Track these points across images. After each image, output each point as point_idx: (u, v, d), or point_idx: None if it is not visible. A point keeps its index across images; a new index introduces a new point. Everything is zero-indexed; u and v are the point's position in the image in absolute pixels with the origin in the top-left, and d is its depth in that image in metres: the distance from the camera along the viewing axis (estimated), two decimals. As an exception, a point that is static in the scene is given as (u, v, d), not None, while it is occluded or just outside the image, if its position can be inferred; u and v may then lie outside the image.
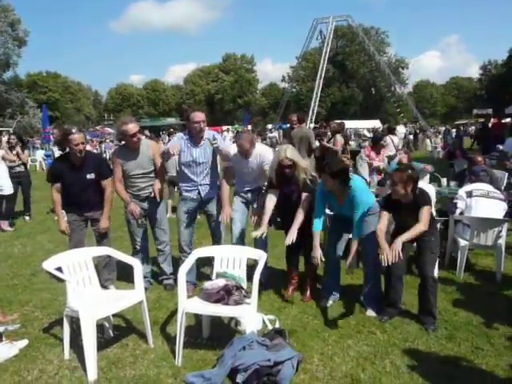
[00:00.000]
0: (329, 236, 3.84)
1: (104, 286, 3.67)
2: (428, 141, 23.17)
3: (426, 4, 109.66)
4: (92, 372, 2.74)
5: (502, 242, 4.27)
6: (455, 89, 65.33)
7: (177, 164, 4.60)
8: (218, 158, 4.07)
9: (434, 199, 4.79)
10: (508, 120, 7.19)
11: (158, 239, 4.22)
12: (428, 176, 6.51)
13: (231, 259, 3.37)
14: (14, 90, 35.33)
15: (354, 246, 3.49)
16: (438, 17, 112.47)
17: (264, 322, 3.24)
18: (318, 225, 3.64)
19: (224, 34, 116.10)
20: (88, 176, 3.87)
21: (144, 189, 4.04)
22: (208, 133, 3.98)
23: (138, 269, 3.16)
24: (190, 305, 3.00)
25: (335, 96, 52.61)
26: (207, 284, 3.15)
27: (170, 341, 3.18)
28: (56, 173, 3.92)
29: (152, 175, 4.05)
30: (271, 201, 3.80)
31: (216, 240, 4.18)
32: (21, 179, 7.65)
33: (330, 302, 3.79)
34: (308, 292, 3.93)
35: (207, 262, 4.18)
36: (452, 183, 6.22)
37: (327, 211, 4.04)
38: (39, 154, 17.54)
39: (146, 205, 4.07)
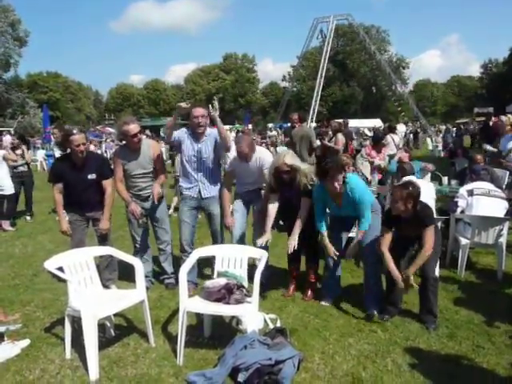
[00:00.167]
0: (328, 234, 3.83)
1: (105, 286, 3.67)
2: (429, 139, 23.16)
3: (426, 3, 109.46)
4: (93, 371, 2.74)
5: (502, 240, 4.28)
6: (456, 87, 65.25)
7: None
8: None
9: (434, 196, 4.80)
10: (503, 118, 7.17)
11: (159, 239, 4.22)
12: (429, 175, 6.52)
13: (232, 258, 3.38)
14: (15, 89, 35.35)
15: (360, 234, 3.53)
16: (439, 16, 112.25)
17: (265, 321, 3.25)
18: (322, 226, 3.69)
19: (224, 33, 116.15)
20: (89, 176, 3.87)
21: (145, 189, 4.04)
22: (211, 130, 4.00)
23: (140, 268, 3.17)
24: (191, 304, 3.00)
25: (336, 95, 52.56)
26: (208, 283, 3.16)
27: (171, 340, 3.19)
28: (57, 173, 3.92)
29: (153, 175, 4.05)
30: (273, 207, 3.82)
31: (216, 240, 4.18)
32: (24, 179, 7.69)
33: (331, 300, 3.79)
34: (309, 291, 3.94)
35: (208, 261, 4.19)
36: (453, 182, 6.22)
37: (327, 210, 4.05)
38: (40, 154, 17.53)
39: (147, 204, 4.08)
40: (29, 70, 57.84)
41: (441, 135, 23.16)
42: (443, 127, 28.84)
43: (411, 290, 3.37)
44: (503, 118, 7.08)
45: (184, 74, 66.85)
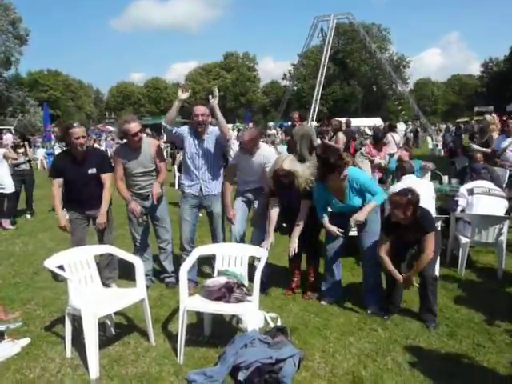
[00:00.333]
0: (328, 233, 3.83)
1: (106, 285, 3.67)
2: (429, 138, 23.14)
3: (426, 2, 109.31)
4: (94, 370, 2.75)
5: (503, 239, 4.28)
6: (457, 85, 65.19)
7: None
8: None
9: (433, 195, 4.79)
10: (487, 117, 7.14)
11: (159, 237, 4.23)
12: (429, 173, 6.51)
13: (232, 257, 3.38)
14: (15, 88, 35.29)
15: (371, 205, 3.50)
16: (439, 14, 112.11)
17: (266, 319, 3.25)
18: (323, 217, 3.69)
19: (225, 31, 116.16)
20: (89, 171, 3.86)
21: (145, 187, 4.04)
22: (213, 128, 4.01)
23: (140, 267, 3.17)
24: (191, 303, 3.00)
25: (336, 94, 52.50)
26: (209, 281, 3.16)
27: (171, 339, 3.19)
28: (58, 167, 3.92)
29: (153, 174, 4.06)
30: (274, 211, 3.85)
31: (216, 239, 4.18)
32: (25, 177, 7.71)
33: (332, 299, 3.80)
34: (309, 290, 3.94)
35: (208, 260, 4.19)
36: (453, 181, 6.22)
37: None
38: (40, 153, 17.51)
39: (147, 203, 4.08)
40: (29, 68, 57.95)
41: (441, 134, 23.16)
42: (443, 126, 28.80)
43: (411, 287, 3.38)
44: (488, 117, 7.07)
45: (185, 72, 66.91)
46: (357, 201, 3.59)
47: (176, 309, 3.48)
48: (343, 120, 11.23)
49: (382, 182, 6.67)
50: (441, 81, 68.76)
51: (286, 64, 79.60)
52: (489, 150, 6.66)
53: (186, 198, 4.09)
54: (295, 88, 52.97)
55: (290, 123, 8.81)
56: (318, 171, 3.65)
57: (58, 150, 10.25)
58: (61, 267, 3.02)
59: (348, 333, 3.25)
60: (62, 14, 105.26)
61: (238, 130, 19.29)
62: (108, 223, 4.00)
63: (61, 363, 2.93)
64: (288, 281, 4.09)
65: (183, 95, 3.81)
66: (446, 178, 6.51)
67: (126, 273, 4.05)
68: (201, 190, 4.03)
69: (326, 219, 3.70)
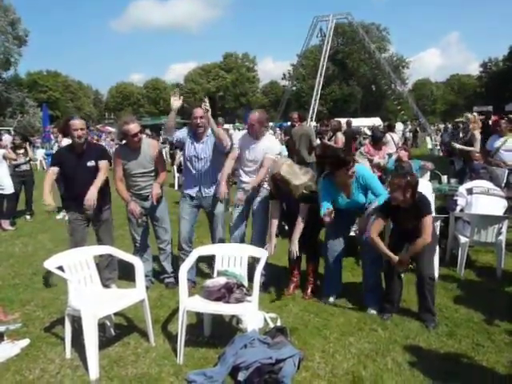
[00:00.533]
0: (329, 233, 3.84)
1: (105, 286, 3.67)
2: (428, 138, 23.16)
3: (425, 2, 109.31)
4: (94, 371, 2.75)
5: (502, 238, 4.28)
6: (456, 85, 65.24)
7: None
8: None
9: (431, 195, 4.81)
10: (469, 116, 7.16)
11: (159, 238, 4.23)
12: (428, 173, 6.51)
13: (232, 257, 3.38)
14: (14, 89, 35.26)
15: (373, 204, 3.54)
16: (438, 15, 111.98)
17: (265, 319, 3.25)
18: (323, 210, 3.53)
19: (225, 32, 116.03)
20: (88, 163, 3.85)
21: (145, 188, 4.04)
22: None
23: (140, 267, 3.17)
24: (191, 303, 3.00)
25: (336, 94, 52.54)
26: (208, 282, 3.16)
27: (171, 339, 3.19)
28: (57, 157, 4.00)
29: (153, 174, 4.06)
30: (275, 213, 3.88)
31: (216, 239, 4.18)
32: (25, 178, 7.70)
33: (331, 299, 3.80)
34: (309, 290, 3.95)
35: (208, 260, 4.20)
36: (452, 180, 6.22)
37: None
38: (39, 153, 17.49)
39: (147, 204, 4.08)
40: (28, 69, 57.60)
41: (440, 134, 23.17)
42: (442, 126, 28.82)
43: (411, 287, 3.39)
44: (469, 116, 7.14)
45: (184, 72, 66.81)
46: (361, 197, 3.64)
47: (176, 309, 3.48)
48: (343, 120, 11.24)
49: (381, 181, 6.67)
50: (440, 81, 68.93)
51: (285, 64, 79.59)
52: (472, 149, 6.70)
53: (185, 198, 4.10)
54: (294, 88, 52.97)
55: (289, 123, 8.81)
56: (327, 166, 3.67)
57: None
58: (60, 268, 3.02)
59: (348, 333, 3.25)
60: (62, 15, 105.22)
61: (238, 130, 19.28)
62: (106, 222, 4.01)
63: (60, 364, 2.93)
64: (288, 281, 4.09)
65: (177, 103, 3.80)
66: (445, 178, 6.52)
67: (125, 273, 4.05)
68: (200, 191, 4.03)
69: (326, 211, 3.50)
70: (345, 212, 3.72)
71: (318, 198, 3.72)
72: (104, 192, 3.96)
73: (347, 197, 3.66)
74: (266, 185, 3.99)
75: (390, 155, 7.04)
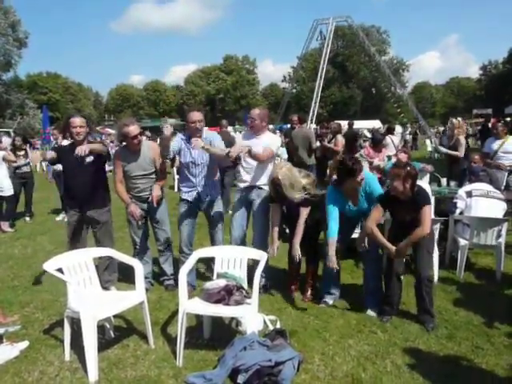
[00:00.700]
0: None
1: (105, 288, 3.67)
2: (428, 141, 23.18)
3: (424, 5, 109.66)
4: (93, 373, 2.74)
5: (501, 241, 4.28)
6: (455, 88, 65.37)
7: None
8: None
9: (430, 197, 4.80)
10: (454, 121, 7.23)
11: (159, 240, 4.23)
12: (428, 176, 6.52)
13: (232, 259, 3.38)
14: (14, 90, 35.29)
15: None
16: (438, 17, 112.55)
17: (265, 322, 3.26)
18: (334, 230, 3.52)
19: (225, 34, 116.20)
20: (87, 159, 3.83)
21: (145, 190, 4.04)
22: (208, 133, 4.01)
23: (139, 269, 3.17)
24: (190, 305, 3.00)
25: (335, 96, 52.65)
26: (208, 284, 3.16)
27: (170, 341, 3.19)
28: (58, 151, 4.01)
29: (153, 176, 4.06)
30: (276, 216, 3.89)
31: (215, 242, 4.17)
32: (25, 180, 7.70)
33: (331, 301, 3.80)
34: (309, 292, 3.95)
35: (208, 263, 4.19)
36: (452, 183, 6.22)
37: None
38: (39, 155, 17.51)
39: (147, 206, 4.08)
40: (28, 70, 57.78)
41: (440, 136, 23.18)
42: (442, 129, 28.86)
43: (410, 289, 3.39)
44: (454, 120, 7.21)
45: (184, 74, 66.95)
46: (367, 204, 3.63)
47: (175, 311, 3.47)
48: (343, 123, 11.25)
49: (380, 183, 6.68)
50: (439, 83, 69.09)
51: (285, 67, 79.96)
52: (457, 153, 6.73)
53: (183, 201, 4.09)
54: (294, 91, 53.07)
55: (289, 126, 8.82)
56: (336, 176, 3.66)
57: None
58: (60, 270, 3.02)
59: (347, 335, 3.25)
60: (62, 16, 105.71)
61: (239, 133, 19.30)
62: (106, 224, 4.02)
63: (59, 366, 2.92)
64: (287, 283, 4.09)
65: (168, 131, 3.70)
66: (444, 181, 6.52)
67: (125, 275, 4.05)
68: (198, 195, 4.03)
69: (334, 243, 3.49)
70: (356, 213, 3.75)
71: (317, 201, 3.73)
72: (103, 194, 3.97)
73: (354, 205, 3.66)
74: (266, 187, 3.99)
75: (389, 158, 7.05)
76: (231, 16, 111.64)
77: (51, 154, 3.97)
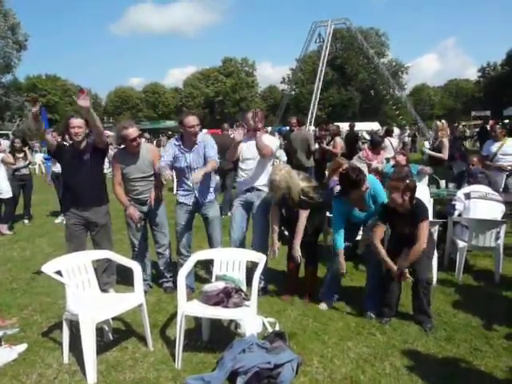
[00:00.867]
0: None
1: (104, 290, 3.67)
2: (426, 143, 23.19)
3: (423, 7, 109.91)
4: (91, 376, 2.74)
5: (500, 243, 4.29)
6: (453, 90, 65.52)
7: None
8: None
9: (429, 199, 4.82)
10: (438, 123, 7.26)
11: (157, 242, 4.23)
12: (427, 178, 6.53)
13: (231, 262, 3.38)
14: (14, 93, 35.30)
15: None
16: (436, 20, 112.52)
17: (264, 324, 3.25)
18: (340, 242, 3.63)
19: (223, 36, 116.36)
20: (85, 157, 3.82)
21: (143, 192, 4.04)
22: (204, 136, 4.02)
23: (138, 272, 3.17)
24: (189, 308, 3.00)
25: (334, 98, 52.74)
26: (207, 287, 3.16)
27: (169, 344, 3.18)
28: (58, 145, 3.98)
29: (152, 179, 4.06)
30: (276, 219, 3.89)
31: (213, 244, 4.16)
32: (24, 182, 7.70)
33: (330, 304, 3.80)
34: (308, 294, 3.94)
35: (207, 265, 4.19)
36: (450, 185, 6.24)
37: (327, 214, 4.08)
38: (38, 158, 17.51)
39: (145, 208, 4.08)
40: (28, 73, 57.51)
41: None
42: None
43: (408, 282, 3.40)
44: (437, 123, 7.24)
45: (183, 77, 67.03)
46: (371, 210, 3.67)
47: (174, 314, 3.47)
48: (341, 125, 11.28)
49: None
50: (438, 85, 69.21)
51: (284, 69, 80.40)
52: (441, 155, 6.76)
53: (180, 205, 4.09)
54: (293, 93, 53.17)
55: (288, 128, 8.84)
56: (340, 189, 3.68)
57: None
58: (58, 272, 3.02)
59: (346, 337, 3.25)
60: (61, 19, 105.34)
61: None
62: (105, 227, 3.99)
63: (58, 369, 2.91)
64: (286, 285, 4.09)
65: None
66: (443, 183, 6.53)
67: (124, 278, 4.04)
68: (196, 198, 4.02)
69: (341, 252, 3.64)
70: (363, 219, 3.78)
71: (316, 204, 3.74)
72: (101, 192, 3.97)
73: (362, 211, 3.69)
74: (265, 188, 3.99)
75: (388, 160, 7.06)
76: (230, 18, 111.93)
77: (53, 139, 3.93)
